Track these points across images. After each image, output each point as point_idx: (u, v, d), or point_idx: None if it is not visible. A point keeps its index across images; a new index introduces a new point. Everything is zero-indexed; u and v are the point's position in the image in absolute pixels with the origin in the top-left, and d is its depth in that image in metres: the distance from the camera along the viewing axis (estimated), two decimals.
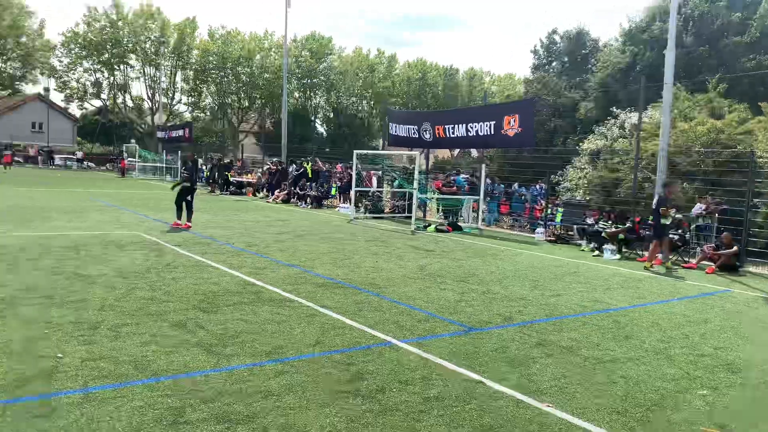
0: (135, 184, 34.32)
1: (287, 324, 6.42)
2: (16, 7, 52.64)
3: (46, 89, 64.48)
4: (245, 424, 3.96)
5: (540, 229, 16.94)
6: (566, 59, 43.94)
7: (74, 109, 66.11)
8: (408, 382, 4.90)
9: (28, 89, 60.21)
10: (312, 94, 67.93)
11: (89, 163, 55.55)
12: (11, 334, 5.56)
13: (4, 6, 51.83)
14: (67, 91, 59.64)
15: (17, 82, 55.52)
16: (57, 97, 63.77)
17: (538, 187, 20.98)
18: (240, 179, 30.85)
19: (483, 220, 18.86)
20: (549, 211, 17.97)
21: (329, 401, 4.42)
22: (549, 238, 16.30)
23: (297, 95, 66.06)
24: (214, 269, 9.34)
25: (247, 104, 64.83)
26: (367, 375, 5.00)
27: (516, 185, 22.13)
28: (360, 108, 70.62)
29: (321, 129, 71.04)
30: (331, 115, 68.96)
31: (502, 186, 21.75)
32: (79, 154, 56.66)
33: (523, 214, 20.38)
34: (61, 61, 57.89)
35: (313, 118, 68.82)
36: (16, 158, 46.83)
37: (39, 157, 52.67)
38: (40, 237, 11.59)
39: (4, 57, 53.45)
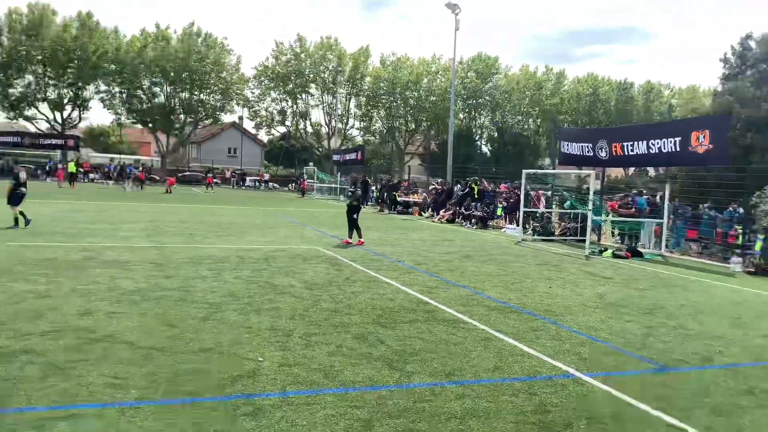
0: (314, 203, 36.82)
1: (463, 346, 6.42)
2: (218, 47, 59.69)
3: (240, 118, 72.12)
4: None
5: (736, 259, 15.17)
6: (764, 67, 39.22)
7: (262, 135, 73.11)
8: (597, 420, 4.63)
9: (226, 118, 67.67)
10: (477, 114, 68.05)
11: (274, 184, 60.84)
12: (220, 336, 6.21)
13: (210, 45, 59.05)
14: (257, 119, 65.99)
15: (217, 112, 62.71)
16: (248, 125, 70.97)
17: (731, 209, 18.84)
18: (407, 199, 31.73)
19: (667, 246, 17.37)
20: (746, 237, 16.03)
21: None
22: (748, 269, 14.52)
23: (462, 116, 66.59)
24: (388, 285, 9.67)
25: (413, 127, 66.78)
26: (551, 407, 4.82)
27: (705, 207, 20.09)
28: (526, 126, 69.24)
29: (485, 148, 70.80)
30: (495, 134, 68.43)
31: (689, 208, 19.87)
32: (266, 176, 62.36)
33: (714, 241, 18.42)
34: (252, 92, 64.37)
35: (477, 137, 68.86)
36: (215, 180, 52.77)
37: (232, 179, 58.72)
38: (238, 249, 12.90)
39: (208, 90, 60.72)
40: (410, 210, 30.33)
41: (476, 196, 24.86)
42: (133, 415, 4.12)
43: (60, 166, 43.36)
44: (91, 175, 51.30)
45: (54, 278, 8.66)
